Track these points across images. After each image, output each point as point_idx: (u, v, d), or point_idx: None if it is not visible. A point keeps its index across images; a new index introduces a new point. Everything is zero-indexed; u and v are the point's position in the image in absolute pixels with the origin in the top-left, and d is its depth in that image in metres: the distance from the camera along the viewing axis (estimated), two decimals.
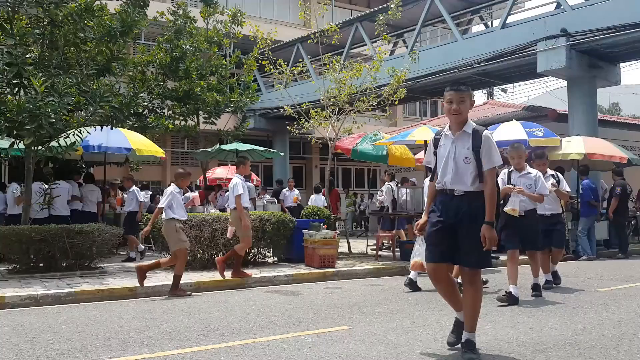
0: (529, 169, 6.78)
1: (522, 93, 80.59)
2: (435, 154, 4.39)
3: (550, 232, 7.46)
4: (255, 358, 4.18)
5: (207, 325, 5.34)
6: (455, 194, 4.17)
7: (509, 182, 6.69)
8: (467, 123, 4.24)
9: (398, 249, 10.85)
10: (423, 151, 10.90)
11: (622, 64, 15.58)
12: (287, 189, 16.38)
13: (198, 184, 19.09)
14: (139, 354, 4.33)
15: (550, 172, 7.51)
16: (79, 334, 5.07)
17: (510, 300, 6.32)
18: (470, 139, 4.17)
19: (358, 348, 4.44)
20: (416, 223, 4.88)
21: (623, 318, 5.51)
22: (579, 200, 11.98)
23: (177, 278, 7.25)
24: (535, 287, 6.92)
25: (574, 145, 12.11)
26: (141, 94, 12.83)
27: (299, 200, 15.91)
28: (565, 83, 15.15)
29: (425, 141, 10.54)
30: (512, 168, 6.93)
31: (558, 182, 7.47)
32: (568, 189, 7.61)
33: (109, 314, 6.09)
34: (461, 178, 4.16)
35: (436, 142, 4.40)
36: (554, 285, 7.55)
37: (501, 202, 6.57)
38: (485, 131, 4.20)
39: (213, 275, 8.30)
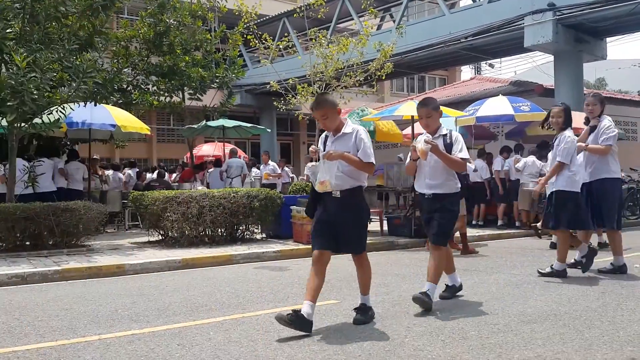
0: (348, 127, 4.44)
1: (509, 68, 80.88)
2: None
3: (429, 222, 5.04)
4: (244, 332, 4.20)
5: (196, 301, 5.35)
6: None
7: (324, 149, 4.57)
8: None
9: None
10: (410, 127, 10.91)
11: (608, 39, 15.63)
12: (262, 164, 16.02)
13: (185, 161, 18.99)
14: (127, 330, 4.34)
15: (444, 130, 5.01)
16: (66, 311, 5.06)
17: (298, 324, 4.09)
18: None
19: (346, 321, 4.49)
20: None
21: (607, 289, 5.60)
22: None
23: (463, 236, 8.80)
24: (362, 308, 4.60)
25: None
26: (125, 70, 12.67)
27: (270, 177, 15.24)
28: (551, 58, 15.18)
29: (413, 117, 10.55)
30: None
31: (450, 145, 4.92)
32: (464, 156, 4.90)
33: (96, 291, 6.08)
34: None
35: None
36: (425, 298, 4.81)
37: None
38: None
39: (201, 252, 8.31)
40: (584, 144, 6.53)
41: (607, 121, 6.48)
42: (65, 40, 9.12)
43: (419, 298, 4.74)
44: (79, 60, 8.74)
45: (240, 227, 9.62)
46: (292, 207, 9.69)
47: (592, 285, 5.84)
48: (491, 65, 29.41)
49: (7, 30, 8.14)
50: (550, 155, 6.44)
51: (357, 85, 12.24)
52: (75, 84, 8.37)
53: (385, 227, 10.79)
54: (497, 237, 10.95)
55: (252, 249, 8.67)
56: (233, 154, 14.87)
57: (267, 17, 20.16)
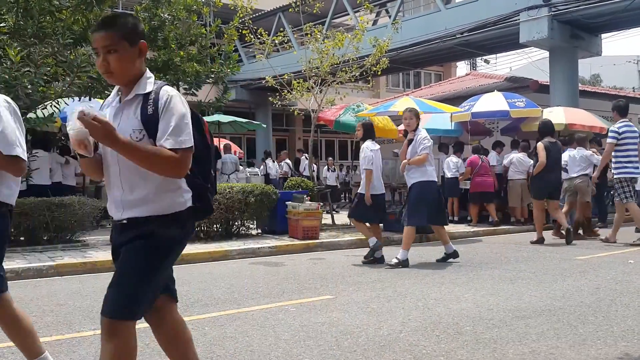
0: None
1: (504, 64, 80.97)
2: None
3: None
4: (239, 328, 4.21)
5: (191, 297, 5.35)
6: None
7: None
8: None
9: None
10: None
11: (603, 35, 15.66)
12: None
13: None
14: None
15: (149, 86, 2.43)
16: (61, 307, 5.04)
17: None
18: None
19: (341, 316, 4.48)
20: None
21: (601, 285, 5.63)
22: None
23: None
24: None
25: (555, 116, 12.19)
26: None
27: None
28: (547, 54, 15.19)
29: None
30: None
31: (154, 118, 2.37)
32: (178, 146, 2.34)
33: (91, 286, 6.07)
34: None
35: None
36: None
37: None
38: None
39: (196, 248, 8.29)
40: (405, 160, 7.18)
41: (423, 133, 7.13)
42: (60, 34, 9.06)
43: None
44: (73, 54, 8.69)
45: (236, 223, 9.61)
46: (287, 202, 9.68)
47: (586, 281, 5.86)
48: (486, 61, 29.40)
49: (1, 25, 8.08)
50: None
51: (353, 80, 12.22)
52: (69, 79, 8.32)
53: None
54: (492, 232, 10.98)
55: (247, 244, 8.66)
56: (227, 149, 14.84)
57: (263, 12, 20.09)
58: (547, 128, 9.46)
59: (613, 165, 9.06)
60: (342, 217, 13.11)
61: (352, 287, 5.71)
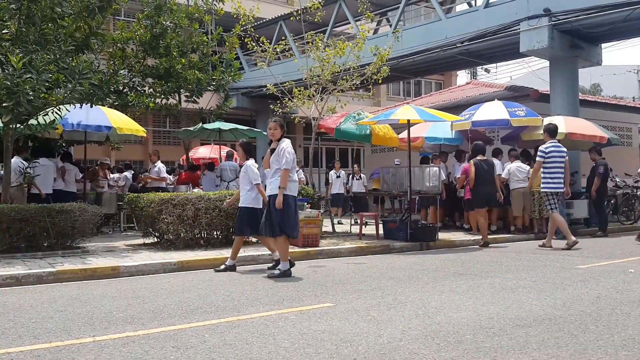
0: None
1: (505, 73, 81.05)
2: None
3: None
4: (238, 335, 4.20)
5: (191, 304, 5.34)
6: None
7: None
8: None
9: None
10: (406, 130, 10.93)
11: (603, 45, 15.68)
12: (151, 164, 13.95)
13: (181, 163, 18.96)
14: (122, 332, 4.32)
15: None
16: (61, 313, 5.04)
17: None
18: None
19: (341, 324, 4.47)
20: None
21: (602, 294, 5.62)
22: None
23: None
24: None
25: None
26: (121, 71, 12.66)
27: (149, 179, 13.44)
28: (547, 63, 15.22)
29: (409, 120, 10.57)
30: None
31: None
32: None
33: (91, 293, 6.06)
34: None
35: None
36: None
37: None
38: None
39: (196, 255, 8.29)
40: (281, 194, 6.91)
41: (284, 145, 6.99)
42: (62, 41, 9.11)
43: None
44: (75, 61, 8.72)
45: None
46: None
47: (587, 290, 5.85)
48: (487, 70, 29.54)
49: (3, 31, 8.13)
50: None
51: (354, 88, 12.25)
52: (71, 85, 8.35)
53: (381, 231, 10.80)
54: (492, 241, 10.97)
55: (247, 251, 8.65)
56: (229, 157, 14.86)
57: (264, 20, 20.17)
58: (478, 148, 10.84)
59: (542, 181, 9.98)
60: (343, 226, 13.11)
61: (352, 295, 5.70)
